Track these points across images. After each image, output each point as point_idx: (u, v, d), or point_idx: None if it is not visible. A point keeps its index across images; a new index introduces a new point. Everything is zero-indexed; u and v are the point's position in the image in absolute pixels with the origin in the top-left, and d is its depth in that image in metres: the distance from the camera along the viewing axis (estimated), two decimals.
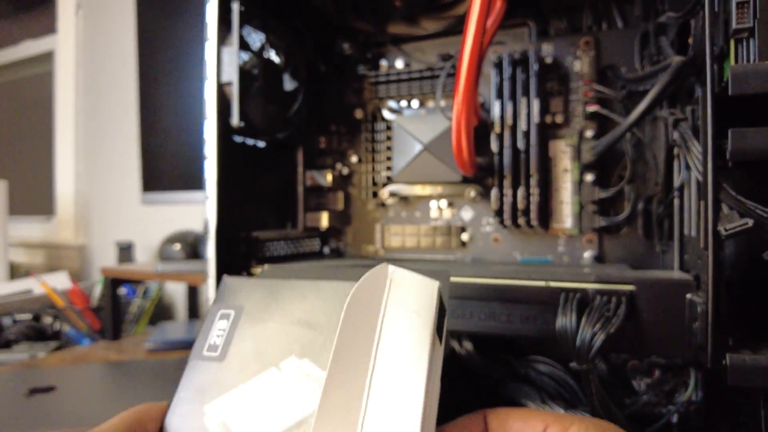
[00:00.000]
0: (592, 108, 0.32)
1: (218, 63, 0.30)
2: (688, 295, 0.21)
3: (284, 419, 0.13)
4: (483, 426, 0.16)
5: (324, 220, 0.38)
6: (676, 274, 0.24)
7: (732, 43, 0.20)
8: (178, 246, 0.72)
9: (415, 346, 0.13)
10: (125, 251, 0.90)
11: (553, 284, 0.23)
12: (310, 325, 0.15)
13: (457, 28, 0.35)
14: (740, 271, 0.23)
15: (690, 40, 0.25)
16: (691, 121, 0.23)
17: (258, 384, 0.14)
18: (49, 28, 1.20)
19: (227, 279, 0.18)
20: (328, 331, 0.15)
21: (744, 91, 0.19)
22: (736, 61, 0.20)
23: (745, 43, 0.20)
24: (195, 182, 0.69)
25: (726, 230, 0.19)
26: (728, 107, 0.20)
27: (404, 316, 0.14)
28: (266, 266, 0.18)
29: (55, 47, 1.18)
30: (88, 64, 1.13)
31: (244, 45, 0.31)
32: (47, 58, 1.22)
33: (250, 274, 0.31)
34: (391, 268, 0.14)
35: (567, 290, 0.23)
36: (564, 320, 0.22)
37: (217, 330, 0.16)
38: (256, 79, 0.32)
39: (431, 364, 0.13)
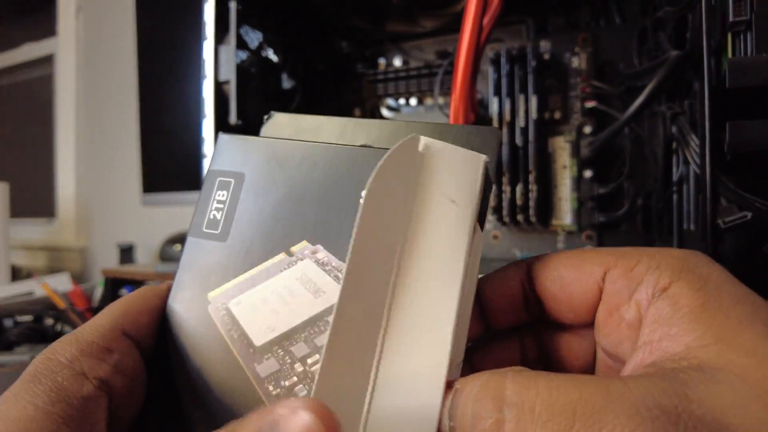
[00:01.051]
0: (591, 104, 0.32)
1: (216, 62, 0.30)
2: None
3: (296, 314, 0.11)
4: (525, 277, 0.13)
5: None
6: None
7: (729, 36, 0.20)
8: (178, 247, 0.72)
9: (449, 244, 0.11)
10: (126, 252, 0.90)
11: None
12: (325, 204, 0.13)
13: (455, 25, 0.35)
14: (740, 267, 0.23)
15: (688, 35, 0.25)
16: (689, 115, 0.23)
17: (266, 271, 0.12)
18: (50, 31, 1.21)
19: (224, 137, 0.14)
20: (344, 212, 0.12)
21: (741, 83, 0.19)
22: (734, 54, 0.20)
23: (742, 36, 0.20)
24: (195, 183, 0.69)
25: (725, 223, 0.19)
26: (726, 101, 0.20)
27: (439, 204, 0.11)
28: (274, 113, 0.15)
29: (56, 50, 1.18)
30: (88, 66, 1.14)
31: (241, 44, 0.31)
32: (48, 61, 1.22)
33: None
34: (424, 140, 0.12)
35: None
36: None
37: (215, 203, 0.14)
38: (253, 77, 0.32)
39: (469, 266, 0.11)
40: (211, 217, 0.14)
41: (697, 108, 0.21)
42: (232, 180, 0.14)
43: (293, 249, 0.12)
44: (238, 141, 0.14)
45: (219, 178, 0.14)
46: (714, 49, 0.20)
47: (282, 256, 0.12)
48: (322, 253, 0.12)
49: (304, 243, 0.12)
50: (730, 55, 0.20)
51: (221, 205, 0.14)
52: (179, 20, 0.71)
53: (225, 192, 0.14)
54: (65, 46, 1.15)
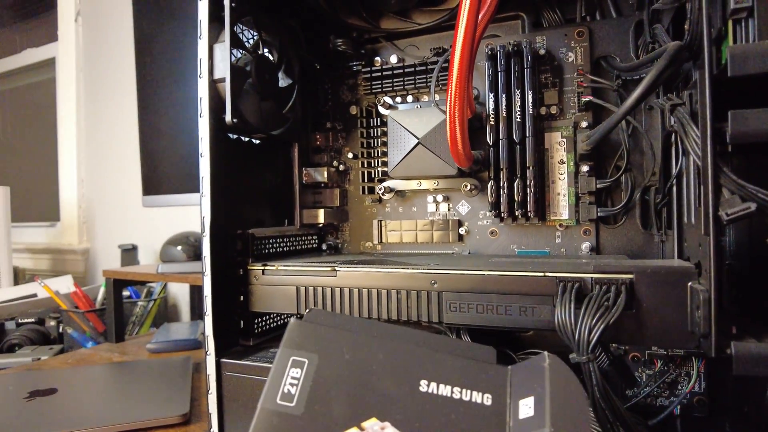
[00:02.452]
0: (587, 98, 0.31)
1: (211, 60, 0.30)
2: (690, 283, 0.21)
3: None
4: None
5: (321, 216, 0.38)
6: (676, 262, 0.24)
7: (730, 23, 0.19)
8: (179, 247, 0.72)
9: None
10: (128, 254, 0.90)
11: (550, 274, 0.23)
12: (390, 384, 0.15)
13: (450, 22, 0.35)
14: (741, 261, 0.23)
15: (686, 26, 0.24)
16: (689, 105, 0.23)
17: None
18: (51, 36, 1.22)
19: (295, 324, 0.18)
20: (408, 396, 0.15)
21: (744, 71, 0.18)
22: (735, 42, 0.19)
23: (743, 23, 0.19)
24: (195, 184, 0.69)
25: (728, 215, 0.18)
26: (726, 91, 0.19)
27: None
28: (311, 309, 0.18)
29: (56, 54, 1.19)
30: (88, 70, 1.14)
31: (237, 42, 0.31)
32: (49, 65, 1.23)
33: (246, 271, 0.31)
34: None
35: (565, 280, 0.22)
36: (563, 311, 0.21)
37: (290, 378, 0.16)
38: (249, 75, 0.32)
39: None
40: (285, 390, 0.16)
41: (698, 98, 0.21)
42: (306, 360, 0.16)
43: (364, 425, 0.15)
44: (310, 327, 0.17)
45: (293, 358, 0.16)
46: (714, 38, 0.20)
47: (354, 430, 0.14)
48: (390, 430, 0.15)
49: (374, 419, 0.15)
50: (731, 42, 0.19)
51: (296, 381, 0.16)
52: (176, 23, 0.72)
53: (299, 370, 0.16)
54: (65, 51, 1.15)
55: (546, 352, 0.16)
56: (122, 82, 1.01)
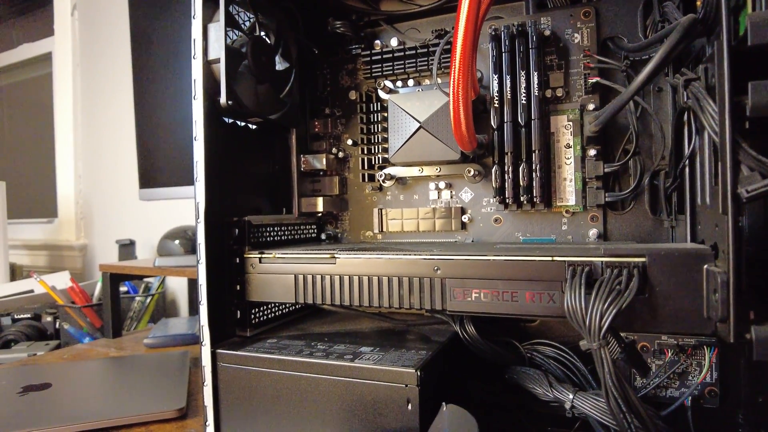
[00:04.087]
0: (594, 79, 0.30)
1: (205, 40, 0.28)
2: (706, 266, 0.20)
3: None
4: None
5: (320, 205, 0.37)
6: (690, 245, 0.23)
7: None
8: (177, 241, 0.71)
9: None
10: (126, 249, 0.90)
11: (558, 259, 0.22)
12: None
13: (452, 3, 0.34)
14: (757, 246, 0.22)
15: (699, 2, 0.23)
16: (704, 80, 0.22)
17: None
18: (47, 30, 1.20)
19: None
20: None
21: (765, 40, 0.17)
22: (754, 10, 0.18)
23: None
24: (192, 177, 0.68)
25: (748, 192, 0.18)
26: (746, 61, 0.18)
27: None
28: None
29: (53, 49, 1.18)
30: (85, 64, 1.13)
31: (232, 23, 0.30)
32: (45, 60, 1.22)
33: (243, 260, 0.30)
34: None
35: (574, 264, 0.21)
36: (572, 295, 0.20)
37: None
38: (244, 57, 0.31)
39: None
40: None
41: (714, 71, 0.20)
42: None
43: None
44: None
45: None
46: (732, 7, 0.19)
47: None
48: None
49: None
50: (749, 11, 0.18)
51: None
52: (172, 16, 0.70)
53: None
54: (62, 45, 1.14)
55: (444, 404, 0.20)
56: (119, 75, 1.00)
